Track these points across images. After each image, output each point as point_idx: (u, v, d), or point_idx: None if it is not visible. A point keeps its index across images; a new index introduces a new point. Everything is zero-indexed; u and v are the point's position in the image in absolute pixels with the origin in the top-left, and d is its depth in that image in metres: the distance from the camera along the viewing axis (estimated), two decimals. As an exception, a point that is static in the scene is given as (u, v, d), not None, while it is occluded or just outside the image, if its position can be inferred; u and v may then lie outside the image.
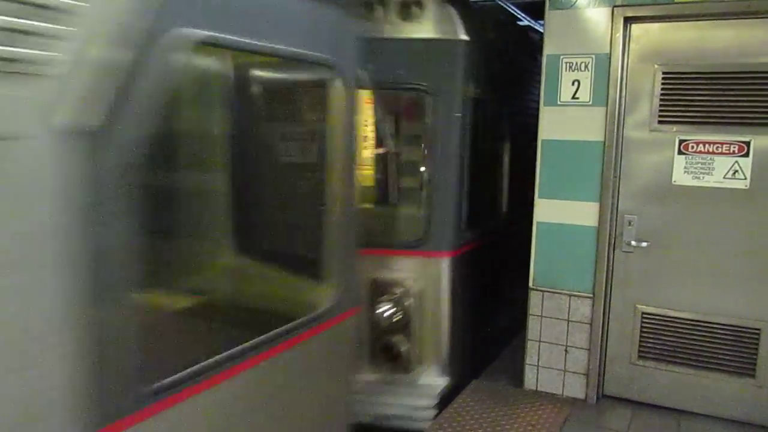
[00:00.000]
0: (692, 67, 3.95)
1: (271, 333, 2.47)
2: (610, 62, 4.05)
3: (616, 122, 4.09)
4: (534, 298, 4.43)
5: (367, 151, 4.39)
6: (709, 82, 3.91)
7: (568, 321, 4.34)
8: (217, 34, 2.09)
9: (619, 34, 4.01)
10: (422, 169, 4.42)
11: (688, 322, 4.12)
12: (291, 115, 3.43)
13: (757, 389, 4.00)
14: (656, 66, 4.03)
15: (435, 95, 4.25)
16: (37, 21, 1.53)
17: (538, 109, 4.31)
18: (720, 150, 3.92)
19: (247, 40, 2.25)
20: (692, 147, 3.99)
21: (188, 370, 2.09)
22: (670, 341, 4.19)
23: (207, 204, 3.10)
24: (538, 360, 4.47)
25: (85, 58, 1.64)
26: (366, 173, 4.40)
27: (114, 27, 1.71)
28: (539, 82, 4.28)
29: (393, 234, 4.54)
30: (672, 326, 4.17)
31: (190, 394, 2.09)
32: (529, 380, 4.52)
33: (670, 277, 4.14)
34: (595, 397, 4.34)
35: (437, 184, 4.33)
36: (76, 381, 1.71)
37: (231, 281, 3.25)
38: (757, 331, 3.96)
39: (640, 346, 4.26)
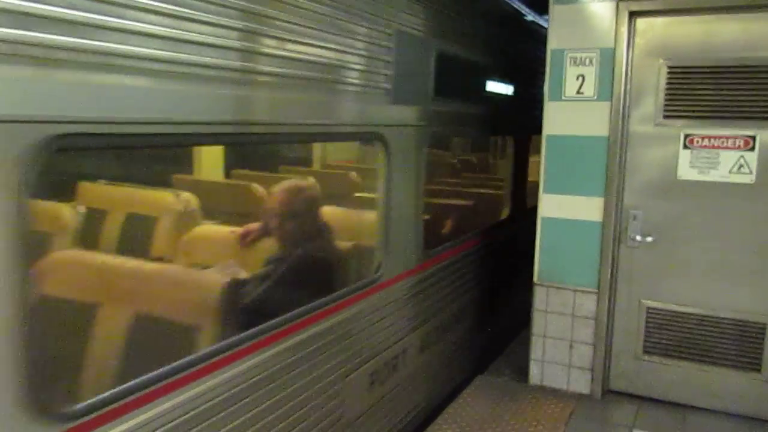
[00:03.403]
0: (698, 61, 3.93)
1: None
2: (614, 57, 4.03)
3: (620, 117, 4.07)
4: (539, 294, 4.42)
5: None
6: (714, 76, 3.90)
7: (573, 316, 4.34)
8: None
9: (624, 29, 4.00)
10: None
11: (693, 316, 4.12)
12: None
13: (763, 384, 4.00)
14: (661, 60, 4.01)
15: None
16: None
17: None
18: (725, 144, 3.91)
19: None
20: (697, 141, 3.97)
21: None
22: (675, 336, 4.18)
23: None
24: (543, 355, 4.47)
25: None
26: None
27: None
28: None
29: None
30: (677, 321, 4.16)
31: None
32: (534, 375, 4.52)
33: (675, 271, 4.13)
34: (600, 392, 4.34)
35: None
36: None
37: None
38: (762, 326, 3.95)
39: (645, 341, 4.25)
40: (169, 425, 2.02)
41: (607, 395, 4.37)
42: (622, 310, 4.30)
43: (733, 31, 3.84)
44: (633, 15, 4.01)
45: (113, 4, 1.76)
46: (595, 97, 4.11)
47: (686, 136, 3.99)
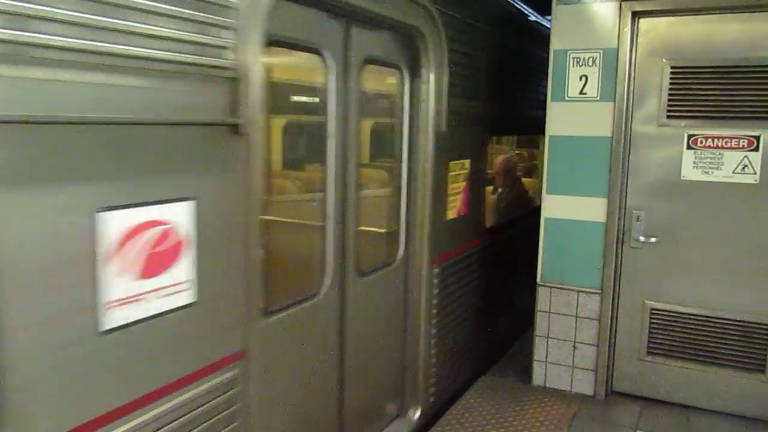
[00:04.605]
0: (701, 61, 3.92)
1: None
2: (617, 57, 4.03)
3: (624, 117, 4.07)
4: (542, 294, 4.42)
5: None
6: (718, 76, 3.89)
7: (576, 317, 4.33)
8: None
9: (627, 29, 4.00)
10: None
11: (696, 317, 4.11)
12: None
13: (766, 385, 3.99)
14: (664, 60, 4.00)
15: None
16: None
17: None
18: (729, 145, 3.90)
19: None
20: (701, 142, 3.96)
21: None
22: (678, 337, 4.17)
23: None
24: (546, 356, 4.46)
25: None
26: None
27: None
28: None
29: None
30: (681, 322, 4.15)
31: None
32: (537, 376, 4.51)
33: (679, 272, 4.12)
34: (603, 393, 4.33)
35: None
36: None
37: None
38: (766, 327, 3.94)
39: (648, 342, 4.25)
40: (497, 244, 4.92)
41: (610, 396, 4.37)
42: (625, 310, 4.29)
43: (736, 31, 3.83)
44: (636, 15, 4.00)
45: None
46: (598, 98, 4.10)
47: (690, 136, 3.99)
